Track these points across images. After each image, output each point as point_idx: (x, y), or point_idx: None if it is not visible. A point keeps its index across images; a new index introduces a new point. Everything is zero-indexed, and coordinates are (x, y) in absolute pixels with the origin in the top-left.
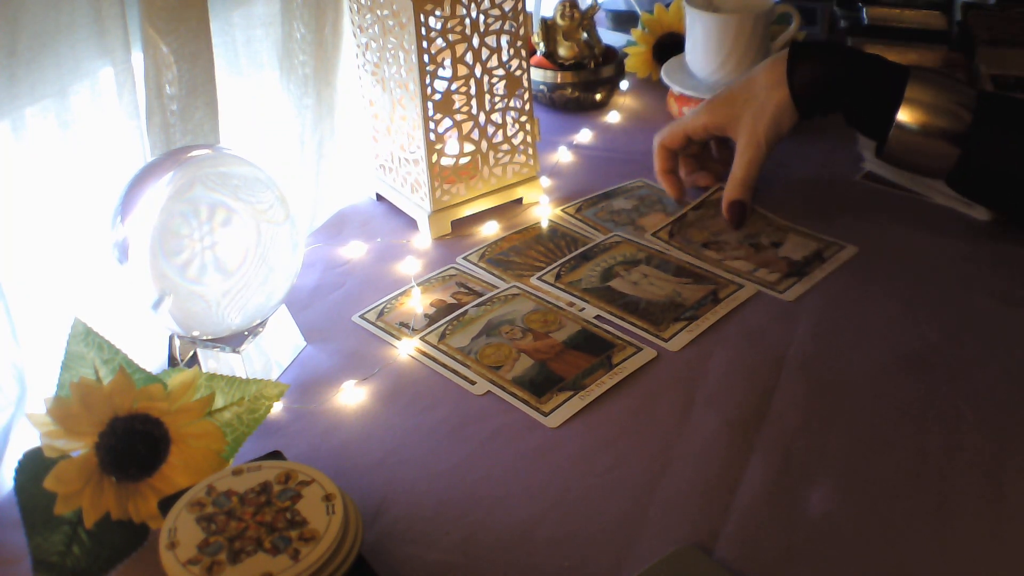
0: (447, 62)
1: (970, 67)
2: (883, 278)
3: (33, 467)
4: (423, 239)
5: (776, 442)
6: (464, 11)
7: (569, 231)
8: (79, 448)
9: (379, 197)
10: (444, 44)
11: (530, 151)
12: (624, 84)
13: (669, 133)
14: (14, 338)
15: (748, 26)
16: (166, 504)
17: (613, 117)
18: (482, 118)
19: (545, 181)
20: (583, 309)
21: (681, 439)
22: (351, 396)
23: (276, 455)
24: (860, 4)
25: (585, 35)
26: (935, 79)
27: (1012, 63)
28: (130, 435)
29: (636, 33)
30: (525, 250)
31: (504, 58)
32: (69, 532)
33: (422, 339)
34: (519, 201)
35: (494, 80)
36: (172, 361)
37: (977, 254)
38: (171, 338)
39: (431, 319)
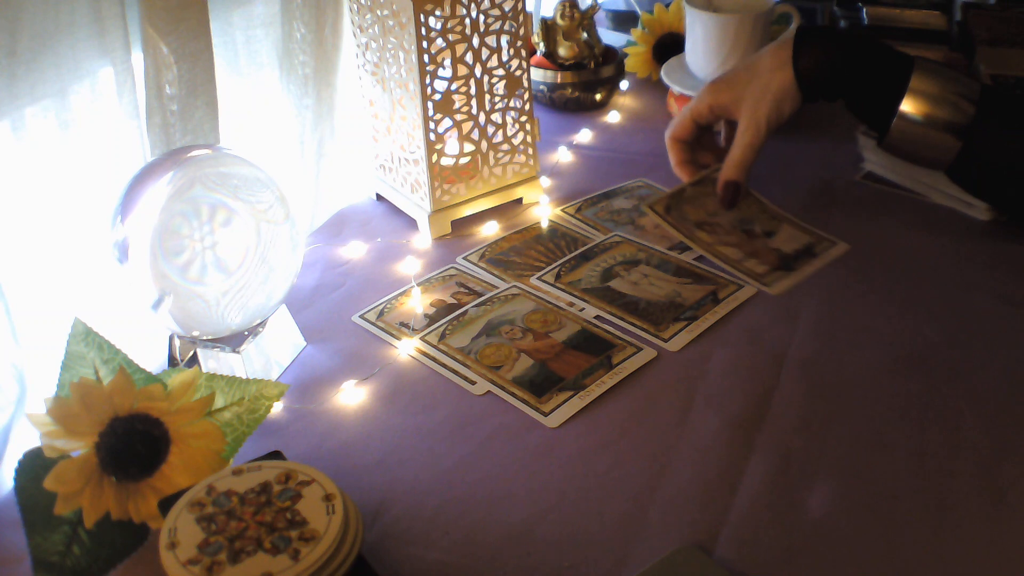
0: (447, 62)
1: (970, 67)
2: (883, 278)
3: (33, 467)
4: (423, 239)
5: (776, 442)
6: (464, 11)
7: (569, 231)
8: (79, 448)
9: (379, 197)
10: (444, 44)
11: (530, 151)
12: (624, 84)
13: (678, 123)
14: (14, 338)
15: (748, 26)
16: (166, 504)
17: (613, 117)
18: (482, 118)
19: (545, 181)
20: (583, 309)
21: (681, 439)
22: (351, 396)
23: (276, 455)
24: (860, 4)
25: (585, 35)
26: (940, 70)
27: (1012, 63)
28: (130, 435)
29: (636, 33)
30: (525, 250)
31: (504, 58)
32: (69, 532)
33: (422, 339)
34: (519, 201)
35: (494, 80)
36: (172, 361)
37: (977, 254)
38: (171, 338)
39: (431, 319)
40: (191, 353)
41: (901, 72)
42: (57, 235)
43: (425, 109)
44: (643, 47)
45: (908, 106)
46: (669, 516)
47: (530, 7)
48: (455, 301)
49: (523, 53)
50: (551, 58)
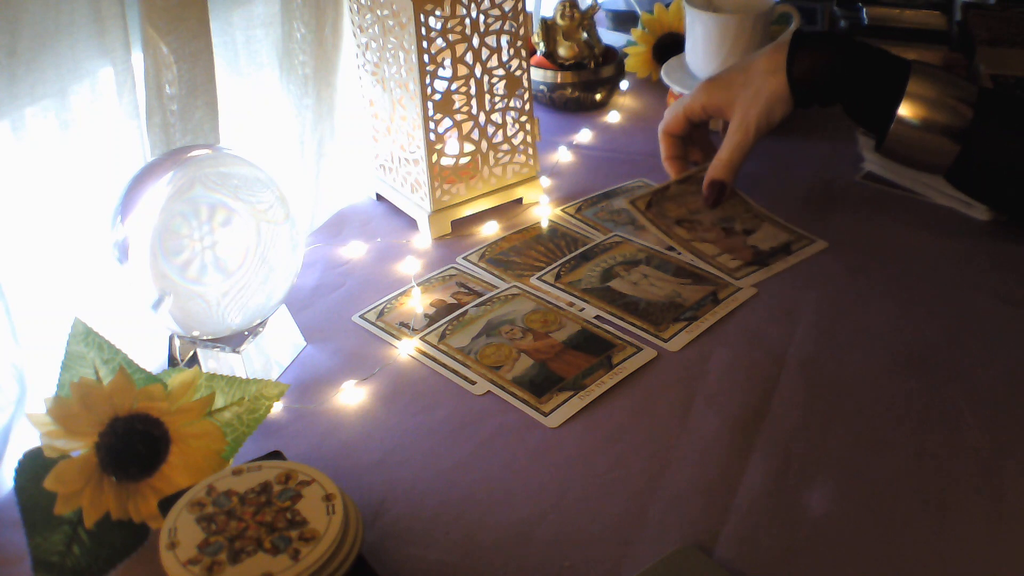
0: (447, 62)
1: (970, 67)
2: (883, 278)
3: (33, 467)
4: (423, 239)
5: (776, 442)
6: (464, 11)
7: (569, 231)
8: (79, 448)
9: (379, 197)
10: (444, 44)
11: (530, 151)
12: (624, 84)
13: (672, 118)
14: (14, 338)
15: (748, 26)
16: (166, 504)
17: (613, 117)
18: (482, 118)
19: (545, 181)
20: (583, 309)
21: (681, 439)
22: (351, 396)
23: (276, 455)
24: (860, 4)
25: (585, 35)
26: (937, 74)
27: (1012, 63)
28: (130, 435)
29: (636, 33)
30: (525, 250)
31: (504, 58)
32: (69, 532)
33: (422, 339)
34: (519, 201)
35: (494, 80)
36: (172, 361)
37: (977, 254)
38: (171, 338)
39: (431, 319)
40: (191, 353)
41: (898, 76)
42: (57, 235)
43: (425, 109)
44: (643, 47)
45: (905, 110)
46: (669, 516)
47: (530, 7)
48: (455, 301)
49: (523, 53)
50: (551, 58)
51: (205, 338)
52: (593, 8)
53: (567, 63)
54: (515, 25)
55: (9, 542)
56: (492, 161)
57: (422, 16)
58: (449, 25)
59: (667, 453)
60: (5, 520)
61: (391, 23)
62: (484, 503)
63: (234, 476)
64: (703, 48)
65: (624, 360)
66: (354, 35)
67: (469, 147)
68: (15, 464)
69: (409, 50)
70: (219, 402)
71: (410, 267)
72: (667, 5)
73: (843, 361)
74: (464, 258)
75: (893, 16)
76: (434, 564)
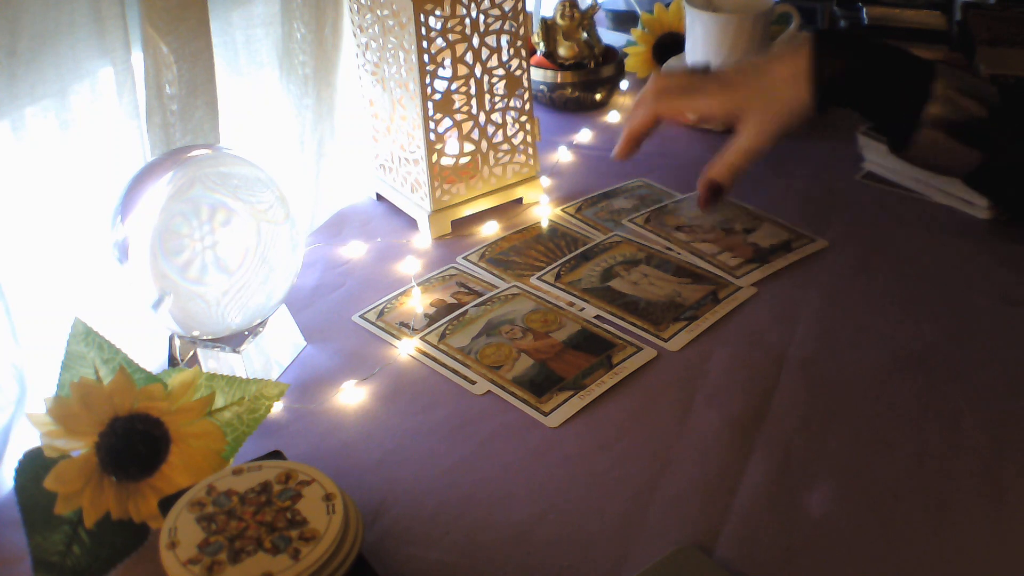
0: (447, 62)
1: (970, 67)
2: (883, 278)
3: (33, 467)
4: (423, 239)
5: (776, 442)
6: (464, 11)
7: (569, 231)
8: (79, 448)
9: (379, 197)
10: (444, 44)
11: (530, 151)
12: (624, 84)
13: (672, 109)
14: (14, 338)
15: (748, 26)
16: (166, 504)
17: (613, 117)
18: (482, 118)
19: (545, 181)
20: (583, 309)
21: (681, 439)
22: (351, 396)
23: (276, 455)
24: (860, 4)
25: (585, 35)
26: (962, 76)
27: (1012, 63)
28: (130, 435)
29: (636, 33)
30: (525, 250)
31: (504, 58)
32: (69, 532)
33: (422, 339)
34: (519, 201)
35: (494, 80)
36: (172, 361)
37: (977, 254)
38: (171, 338)
39: (431, 319)
40: (191, 353)
41: (922, 78)
42: (57, 235)
43: (425, 109)
44: (643, 47)
45: (930, 113)
46: (669, 516)
47: (530, 7)
48: (455, 301)
49: (523, 53)
50: (551, 58)
51: (205, 338)
52: (593, 8)
53: (567, 63)
54: (515, 25)
55: (9, 542)
56: (492, 161)
57: (422, 16)
58: (449, 25)
59: (667, 453)
60: (5, 520)
61: (391, 23)
62: (484, 503)
63: (234, 476)
64: (703, 48)
65: (624, 360)
66: (354, 35)
67: (469, 147)
68: (15, 464)
69: (409, 50)
70: (219, 402)
71: (410, 267)
72: (667, 5)
73: (843, 361)
74: (464, 258)
75: (893, 16)
76: (434, 564)
